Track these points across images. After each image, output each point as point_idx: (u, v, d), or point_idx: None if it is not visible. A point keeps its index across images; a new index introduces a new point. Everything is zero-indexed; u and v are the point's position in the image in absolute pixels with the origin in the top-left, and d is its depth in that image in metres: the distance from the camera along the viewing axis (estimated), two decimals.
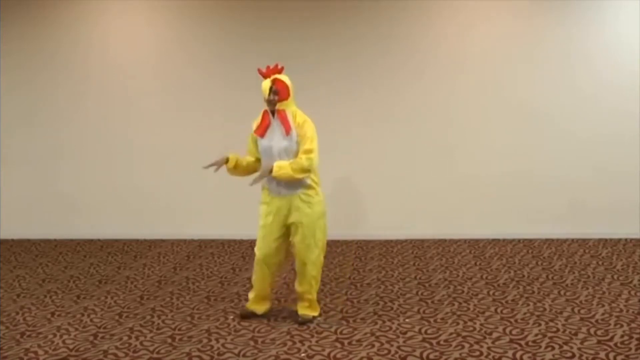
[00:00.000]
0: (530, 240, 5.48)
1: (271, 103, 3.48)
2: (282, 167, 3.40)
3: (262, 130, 3.54)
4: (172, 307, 3.98)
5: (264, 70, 3.55)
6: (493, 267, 4.72)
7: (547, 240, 5.48)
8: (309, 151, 3.43)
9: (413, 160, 5.68)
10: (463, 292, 4.13)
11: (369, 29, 5.58)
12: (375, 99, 5.67)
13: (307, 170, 3.44)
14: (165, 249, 5.55)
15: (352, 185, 5.74)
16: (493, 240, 5.54)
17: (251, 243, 5.63)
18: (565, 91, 5.47)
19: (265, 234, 3.58)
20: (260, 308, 3.75)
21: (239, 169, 3.69)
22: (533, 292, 4.08)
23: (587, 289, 4.12)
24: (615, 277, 4.36)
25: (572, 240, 5.45)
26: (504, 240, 5.53)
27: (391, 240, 5.62)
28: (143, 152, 5.96)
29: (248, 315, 3.73)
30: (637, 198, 5.45)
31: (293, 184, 3.49)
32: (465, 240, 5.55)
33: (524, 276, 4.45)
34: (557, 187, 5.55)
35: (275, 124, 3.51)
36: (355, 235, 5.73)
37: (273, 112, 3.51)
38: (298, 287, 3.69)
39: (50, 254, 5.50)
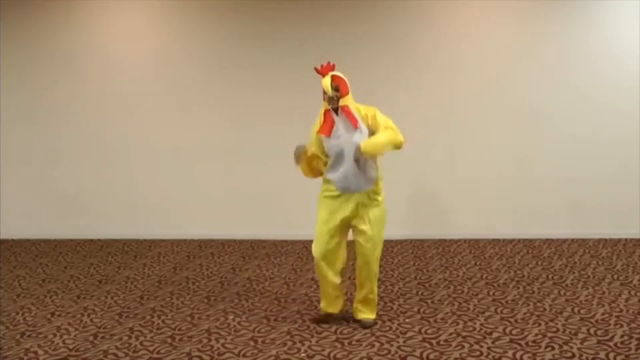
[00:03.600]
0: (530, 240, 5.48)
1: (333, 100, 3.41)
2: (370, 142, 3.33)
3: (328, 129, 3.41)
4: (172, 307, 3.98)
5: (319, 68, 3.47)
6: (493, 267, 4.72)
7: (547, 240, 5.48)
8: (391, 127, 3.44)
9: (413, 160, 5.67)
10: (463, 292, 4.13)
11: (369, 29, 5.58)
12: (375, 99, 5.62)
13: (397, 141, 3.42)
14: (165, 249, 5.55)
15: None
16: (493, 240, 5.54)
17: (251, 243, 5.67)
18: (565, 91, 5.47)
19: (327, 231, 3.46)
20: (334, 308, 3.65)
21: (311, 163, 3.52)
22: (533, 292, 4.08)
23: (587, 289, 4.12)
24: (615, 277, 4.36)
25: (572, 240, 5.45)
26: (504, 240, 5.53)
27: (391, 240, 5.62)
28: (143, 152, 5.96)
29: (325, 320, 3.62)
30: (637, 198, 5.45)
31: (361, 181, 3.40)
32: (465, 240, 5.55)
33: (524, 276, 4.45)
34: (557, 187, 5.55)
35: (340, 121, 3.42)
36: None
37: (336, 110, 3.44)
38: (360, 289, 3.58)
39: (50, 254, 5.50)
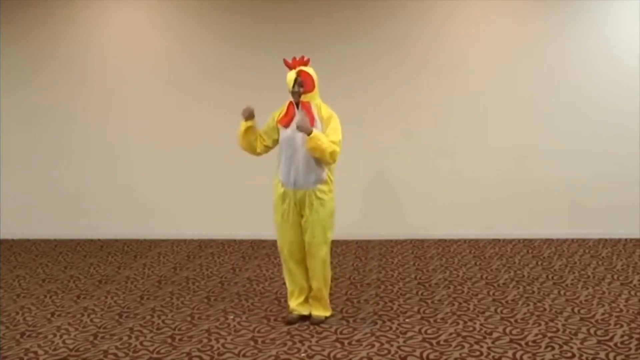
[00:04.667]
0: (530, 240, 5.48)
1: (295, 95, 3.45)
2: (320, 137, 3.34)
3: (287, 120, 3.49)
4: (172, 307, 3.98)
5: (289, 61, 3.50)
6: (493, 267, 4.72)
7: (547, 240, 5.48)
8: (335, 142, 3.40)
9: (413, 160, 5.68)
10: (463, 292, 4.13)
11: (369, 29, 5.58)
12: (375, 99, 5.67)
13: (334, 156, 3.39)
14: (165, 249, 5.55)
15: (352, 186, 5.73)
16: (493, 240, 5.53)
17: (251, 243, 5.67)
18: (565, 91, 5.47)
19: (287, 230, 3.53)
20: (305, 309, 3.67)
21: (249, 133, 3.57)
22: (533, 292, 4.08)
23: (587, 289, 4.12)
24: (615, 277, 4.36)
25: (572, 240, 5.45)
26: (504, 240, 5.53)
27: (391, 240, 5.62)
28: (143, 152, 5.96)
29: (295, 321, 3.62)
30: (637, 198, 5.45)
31: (309, 178, 3.44)
32: (465, 240, 5.55)
33: (524, 276, 4.45)
34: (557, 187, 5.55)
35: (300, 115, 3.46)
36: (355, 235, 5.73)
37: (297, 104, 3.48)
38: (312, 284, 3.62)
39: (50, 254, 5.50)
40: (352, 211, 5.76)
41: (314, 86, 3.48)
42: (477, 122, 5.59)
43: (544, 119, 5.51)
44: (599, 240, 5.43)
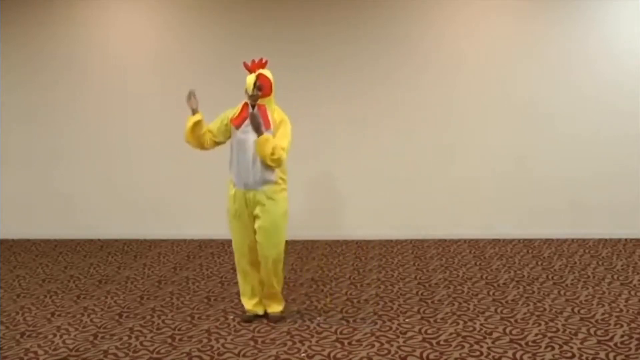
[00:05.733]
0: (530, 240, 5.48)
1: (253, 98, 3.50)
2: (269, 140, 3.37)
3: (240, 121, 3.54)
4: (172, 307, 3.98)
5: (249, 64, 3.55)
6: (493, 267, 4.72)
7: (547, 240, 5.48)
8: (283, 148, 3.42)
9: (413, 160, 5.68)
10: (463, 292, 4.13)
11: (369, 29, 5.58)
12: (375, 99, 5.67)
13: (278, 161, 3.41)
14: (165, 249, 5.55)
15: (352, 186, 5.74)
16: (493, 240, 5.54)
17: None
18: (565, 91, 5.47)
19: (239, 230, 3.59)
20: (262, 309, 3.73)
21: (197, 128, 3.60)
22: (533, 292, 4.08)
23: (587, 289, 4.12)
24: (615, 277, 4.36)
25: (572, 240, 5.45)
26: (504, 240, 5.53)
27: (391, 240, 5.62)
28: (143, 151, 5.96)
29: (251, 319, 3.69)
30: (637, 198, 5.45)
31: (259, 178, 3.48)
32: (465, 240, 5.55)
33: (524, 276, 4.45)
34: (557, 187, 5.55)
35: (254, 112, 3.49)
36: (355, 235, 5.73)
37: (253, 106, 3.53)
38: (263, 285, 3.68)
39: (50, 254, 5.50)
40: (352, 211, 5.77)
41: (271, 90, 3.54)
42: (477, 122, 5.59)
43: (544, 119, 5.51)
44: (599, 240, 5.43)
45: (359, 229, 5.75)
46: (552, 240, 5.47)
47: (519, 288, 4.17)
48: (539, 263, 4.79)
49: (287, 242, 5.73)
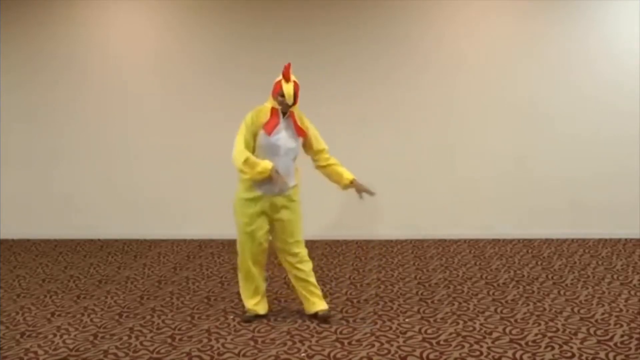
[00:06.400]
0: (530, 240, 5.48)
1: (288, 106, 3.49)
2: (344, 174, 3.79)
3: (272, 128, 3.50)
4: (172, 307, 3.98)
5: (286, 72, 3.47)
6: (493, 267, 4.72)
7: (547, 240, 5.48)
8: (326, 150, 3.70)
9: (413, 160, 5.68)
10: (463, 292, 4.13)
11: (369, 29, 5.58)
12: (375, 99, 5.67)
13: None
14: (165, 249, 5.55)
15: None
16: (493, 240, 5.54)
17: None
18: (565, 91, 5.47)
19: (254, 231, 3.57)
20: (262, 308, 3.73)
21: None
22: (533, 292, 4.08)
23: (587, 289, 4.12)
24: (615, 277, 4.36)
25: (572, 240, 5.45)
26: (504, 240, 5.53)
27: (391, 240, 5.62)
28: (143, 152, 5.96)
29: (251, 320, 3.68)
30: (637, 198, 5.45)
31: (288, 183, 3.53)
32: (465, 240, 5.55)
33: (524, 276, 4.45)
34: (557, 187, 5.55)
35: (285, 125, 3.52)
36: (355, 235, 5.73)
37: (284, 113, 3.52)
38: (304, 282, 3.66)
39: (50, 254, 5.50)
40: (352, 211, 5.76)
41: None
42: (477, 122, 5.59)
43: (544, 119, 5.51)
44: (599, 240, 5.43)
45: (359, 229, 5.75)
46: (552, 240, 5.47)
47: (518, 288, 4.17)
48: (539, 263, 4.79)
49: None
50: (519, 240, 5.51)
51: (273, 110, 3.53)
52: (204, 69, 5.81)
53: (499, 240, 5.53)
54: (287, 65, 3.48)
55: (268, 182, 3.48)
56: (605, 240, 5.42)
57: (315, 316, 3.66)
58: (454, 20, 5.53)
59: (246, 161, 3.45)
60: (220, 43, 5.77)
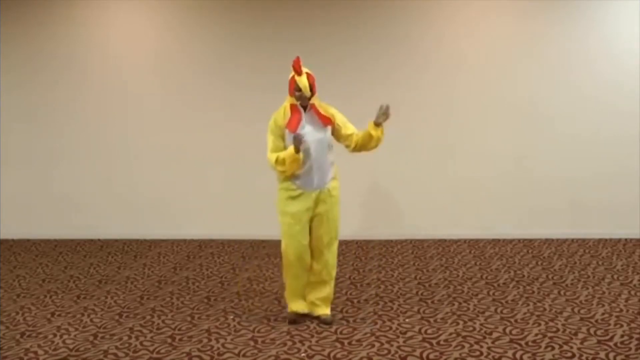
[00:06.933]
0: (530, 240, 5.48)
1: (306, 98, 3.45)
2: (379, 134, 3.54)
3: (295, 124, 3.44)
4: (172, 307, 3.98)
5: (296, 65, 3.45)
6: (493, 267, 4.72)
7: (547, 240, 5.48)
8: (356, 134, 3.57)
9: (413, 160, 5.68)
10: (463, 292, 4.13)
11: (369, 29, 5.58)
12: (375, 99, 5.63)
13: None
14: (165, 249, 5.55)
15: (352, 186, 5.72)
16: (493, 240, 5.53)
17: (251, 243, 5.67)
18: (565, 91, 5.47)
19: (298, 232, 3.49)
20: (304, 307, 3.67)
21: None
22: (533, 292, 4.08)
23: (587, 289, 4.12)
24: (615, 277, 4.36)
25: (572, 240, 5.45)
26: (504, 240, 5.53)
27: (391, 240, 5.62)
28: (143, 152, 5.96)
29: (296, 320, 3.61)
30: (637, 198, 5.45)
31: (326, 176, 3.49)
32: (465, 240, 5.55)
33: (524, 276, 4.45)
34: (557, 187, 5.55)
35: (308, 118, 3.47)
36: (355, 235, 5.73)
37: (305, 107, 3.48)
38: (322, 287, 3.62)
39: (50, 254, 5.50)
40: (352, 211, 5.75)
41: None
42: (477, 122, 5.58)
43: (544, 119, 5.51)
44: (599, 240, 5.43)
45: (359, 229, 5.75)
46: (552, 240, 5.47)
47: (519, 288, 4.17)
48: (539, 263, 4.79)
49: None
50: (519, 240, 5.51)
51: (292, 107, 3.49)
52: (204, 69, 5.81)
53: (499, 240, 5.53)
54: (296, 59, 3.44)
55: (308, 175, 3.44)
56: (605, 240, 5.42)
57: (317, 318, 3.64)
58: (454, 20, 5.53)
59: (277, 161, 3.42)
60: (220, 43, 5.77)
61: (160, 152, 5.92)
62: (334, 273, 3.67)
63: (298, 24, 5.65)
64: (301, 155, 3.39)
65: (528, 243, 5.40)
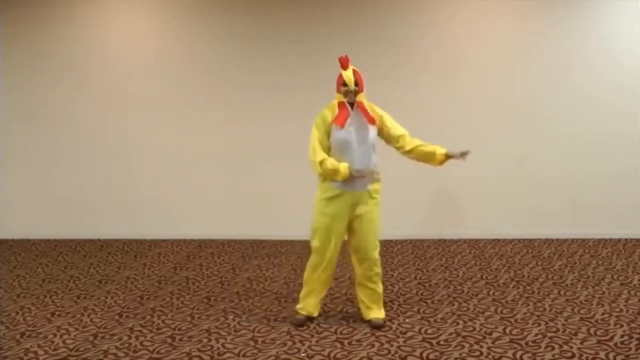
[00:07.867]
0: (530, 240, 5.48)
1: (352, 94, 3.42)
2: (434, 151, 3.66)
3: (343, 120, 3.41)
4: (172, 307, 3.98)
5: (342, 60, 3.42)
6: (493, 267, 4.72)
7: (547, 240, 5.48)
8: (407, 135, 3.67)
9: (412, 160, 5.67)
10: (463, 292, 4.13)
11: (369, 29, 5.58)
12: (375, 99, 5.64)
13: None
14: (165, 249, 5.55)
15: None
16: (493, 240, 5.54)
17: (251, 243, 5.67)
18: (565, 91, 5.47)
19: (333, 233, 3.45)
20: (316, 311, 3.64)
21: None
22: (533, 292, 4.08)
23: (587, 289, 4.12)
24: (615, 277, 4.36)
25: (572, 240, 5.46)
26: (504, 240, 5.53)
27: (391, 240, 5.62)
28: (143, 152, 5.96)
29: (304, 322, 3.58)
30: (637, 198, 5.45)
31: (366, 178, 3.46)
32: (465, 240, 5.55)
33: (524, 276, 4.45)
34: (557, 187, 5.55)
35: (355, 116, 3.44)
36: None
37: (352, 104, 3.45)
38: (371, 288, 3.57)
39: (50, 254, 5.50)
40: None
41: (364, 86, 3.50)
42: (477, 122, 5.58)
43: (544, 119, 5.51)
44: (599, 240, 5.43)
45: None
46: (552, 240, 5.48)
47: (519, 288, 4.17)
48: (539, 263, 4.79)
49: (287, 242, 5.77)
50: (519, 240, 5.51)
51: (340, 104, 3.45)
52: (204, 69, 5.81)
53: (499, 240, 5.53)
54: (341, 57, 3.42)
55: (349, 179, 3.40)
56: (605, 240, 5.42)
57: (368, 322, 3.57)
58: (454, 20, 5.53)
59: (321, 163, 3.37)
60: (220, 43, 5.77)
61: (161, 152, 5.92)
62: (381, 272, 3.62)
63: (298, 24, 5.65)
64: (352, 174, 3.37)
65: (528, 243, 5.40)
